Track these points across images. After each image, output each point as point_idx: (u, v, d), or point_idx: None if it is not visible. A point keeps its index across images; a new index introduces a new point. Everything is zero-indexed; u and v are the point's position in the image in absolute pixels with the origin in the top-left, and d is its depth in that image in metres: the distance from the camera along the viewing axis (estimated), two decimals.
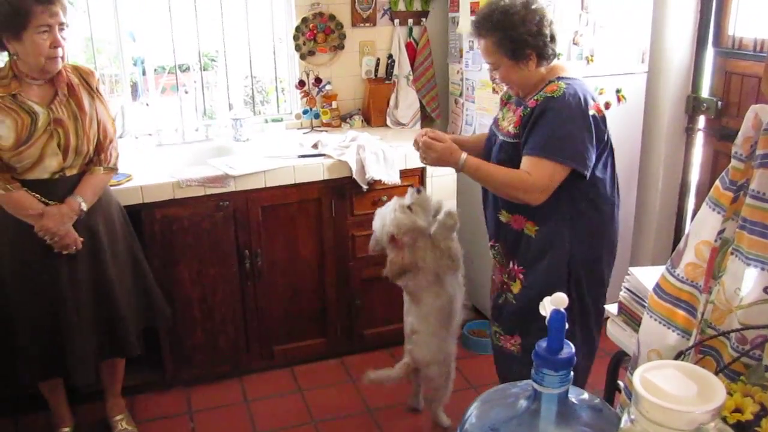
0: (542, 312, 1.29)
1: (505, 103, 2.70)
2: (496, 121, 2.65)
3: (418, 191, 2.79)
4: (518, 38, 2.36)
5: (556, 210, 2.42)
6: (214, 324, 3.36)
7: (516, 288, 2.58)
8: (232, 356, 3.44)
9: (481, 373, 3.53)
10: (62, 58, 2.55)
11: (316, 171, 3.28)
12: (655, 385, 0.80)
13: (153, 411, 3.25)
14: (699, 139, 3.75)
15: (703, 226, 1.27)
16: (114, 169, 2.80)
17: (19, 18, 2.41)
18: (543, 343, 1.16)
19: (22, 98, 2.52)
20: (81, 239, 2.64)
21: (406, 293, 2.93)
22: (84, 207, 2.64)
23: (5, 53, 2.57)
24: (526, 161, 2.36)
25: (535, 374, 1.09)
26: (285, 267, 3.41)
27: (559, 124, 2.33)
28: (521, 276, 2.55)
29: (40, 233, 2.55)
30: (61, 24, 2.50)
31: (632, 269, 1.76)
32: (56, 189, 2.61)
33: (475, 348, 3.74)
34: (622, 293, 1.78)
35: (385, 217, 2.77)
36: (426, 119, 4.15)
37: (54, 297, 2.67)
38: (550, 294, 1.33)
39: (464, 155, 2.44)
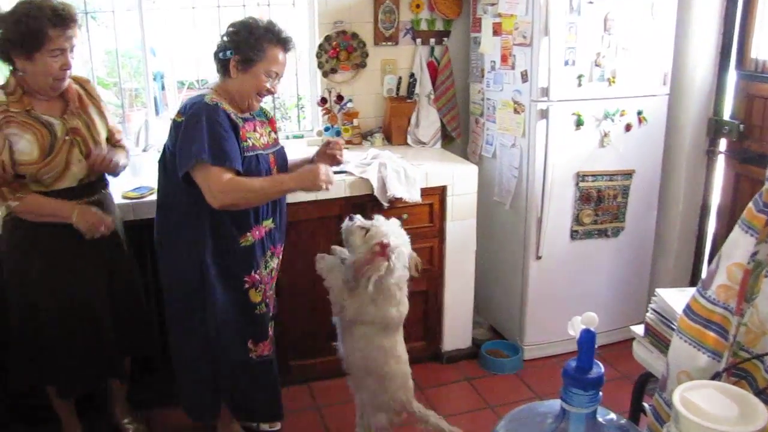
0: (571, 332, 1.29)
1: (250, 125, 2.65)
2: (253, 146, 2.61)
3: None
4: None
5: None
6: None
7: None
8: None
9: (499, 393, 3.51)
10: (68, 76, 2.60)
11: (337, 188, 3.28)
12: (696, 405, 0.80)
13: (169, 426, 3.24)
14: (720, 161, 3.74)
15: (736, 247, 1.27)
16: (127, 149, 2.95)
17: (34, 40, 2.41)
18: (572, 363, 1.16)
19: (35, 113, 2.55)
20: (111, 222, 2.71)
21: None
22: (121, 163, 2.80)
23: (8, 67, 2.58)
24: None
25: (563, 393, 1.09)
26: (304, 283, 3.40)
27: None
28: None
29: (84, 220, 2.58)
30: (73, 46, 2.53)
31: (659, 290, 1.76)
32: (83, 195, 2.65)
33: (491, 368, 3.72)
34: (648, 314, 1.78)
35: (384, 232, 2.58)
36: (446, 138, 4.16)
37: (85, 303, 2.71)
38: None
39: None
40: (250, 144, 2.59)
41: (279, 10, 3.97)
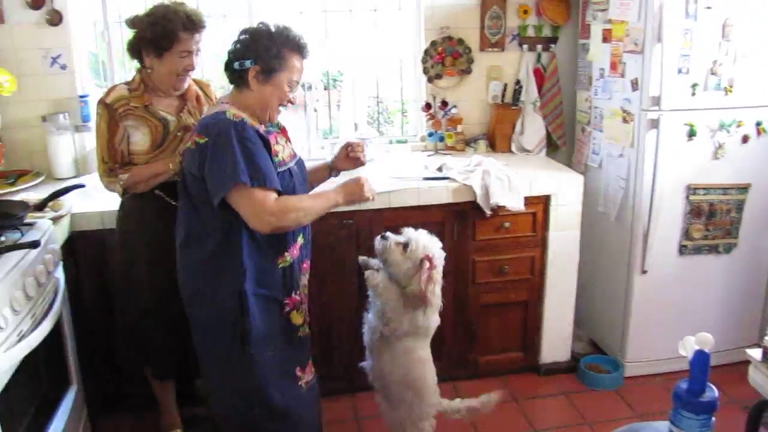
0: (682, 352, 1.23)
1: (272, 138, 2.46)
2: (283, 161, 2.45)
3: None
4: None
5: None
6: (331, 340, 3.41)
7: None
8: (346, 373, 3.47)
9: (598, 409, 3.42)
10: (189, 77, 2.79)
11: (440, 194, 3.29)
12: None
13: None
14: None
15: None
16: None
17: (167, 40, 2.61)
18: (683, 384, 1.12)
19: (153, 108, 2.74)
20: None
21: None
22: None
23: (136, 64, 2.79)
24: None
25: (673, 416, 1.05)
26: None
27: None
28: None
29: (174, 162, 2.68)
30: (199, 50, 2.72)
31: None
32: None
33: (591, 383, 3.63)
34: (767, 338, 1.69)
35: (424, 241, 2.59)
36: (551, 146, 4.09)
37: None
38: None
39: None
40: (281, 158, 2.43)
41: (385, 15, 4.01)
